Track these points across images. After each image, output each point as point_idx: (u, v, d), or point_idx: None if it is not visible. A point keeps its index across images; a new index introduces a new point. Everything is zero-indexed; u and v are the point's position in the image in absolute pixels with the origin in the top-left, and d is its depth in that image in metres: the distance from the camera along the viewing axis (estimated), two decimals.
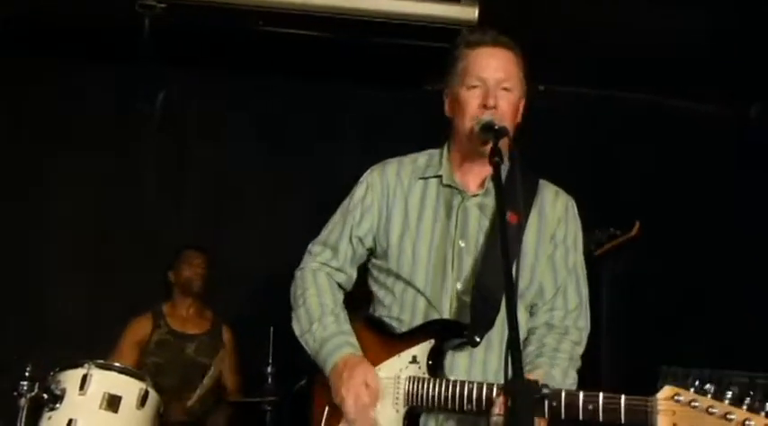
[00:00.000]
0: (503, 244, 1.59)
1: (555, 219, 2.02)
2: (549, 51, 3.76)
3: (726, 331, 4.06)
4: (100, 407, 2.65)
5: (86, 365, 2.70)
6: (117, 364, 2.89)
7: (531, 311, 2.03)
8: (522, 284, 1.95)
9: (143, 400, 2.74)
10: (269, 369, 3.34)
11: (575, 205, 2.08)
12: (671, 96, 4.46)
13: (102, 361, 2.79)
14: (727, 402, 1.51)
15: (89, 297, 4.11)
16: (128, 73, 4.19)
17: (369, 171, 2.14)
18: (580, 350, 1.99)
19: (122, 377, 2.77)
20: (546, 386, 1.45)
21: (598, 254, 3.54)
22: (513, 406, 1.31)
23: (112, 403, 2.66)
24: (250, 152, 4.37)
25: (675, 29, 3.71)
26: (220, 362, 3.62)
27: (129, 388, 2.73)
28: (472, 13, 3.51)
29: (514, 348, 1.39)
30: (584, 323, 2.02)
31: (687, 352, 3.73)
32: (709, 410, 1.50)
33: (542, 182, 2.08)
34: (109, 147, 4.28)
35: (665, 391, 1.56)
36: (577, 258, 2.04)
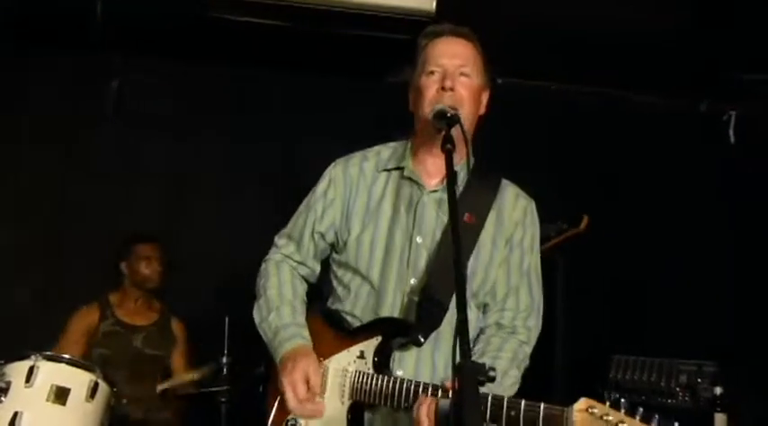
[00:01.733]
0: (454, 235, 1.59)
1: (513, 223, 2.03)
2: (506, 44, 3.79)
3: (676, 321, 4.16)
4: (47, 399, 2.57)
5: (33, 357, 2.63)
6: (66, 356, 2.81)
7: (484, 311, 2.04)
8: (475, 283, 1.97)
9: (93, 392, 2.68)
10: (224, 360, 3.31)
11: (534, 208, 2.09)
12: (626, 90, 4.53)
13: (49, 353, 2.72)
14: (637, 418, 1.53)
15: (37, 287, 4.03)
16: (81, 59, 4.10)
17: (332, 165, 2.14)
18: (528, 349, 2.01)
19: (71, 368, 2.70)
20: (493, 369, 1.46)
21: (546, 248, 3.59)
22: (459, 387, 1.32)
23: (60, 395, 2.59)
24: (207, 140, 4.31)
25: (635, 23, 3.75)
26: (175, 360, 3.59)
27: (77, 380, 2.66)
28: (430, 3, 3.51)
29: (463, 330, 1.40)
30: (535, 322, 2.03)
31: (638, 342, 3.81)
32: (620, 425, 1.53)
33: (504, 183, 2.08)
34: (61, 136, 4.19)
35: (581, 403, 1.58)
36: (532, 261, 2.05)
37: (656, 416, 1.52)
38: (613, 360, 3.50)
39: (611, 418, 1.54)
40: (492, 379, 1.41)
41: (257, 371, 2.20)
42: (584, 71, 4.31)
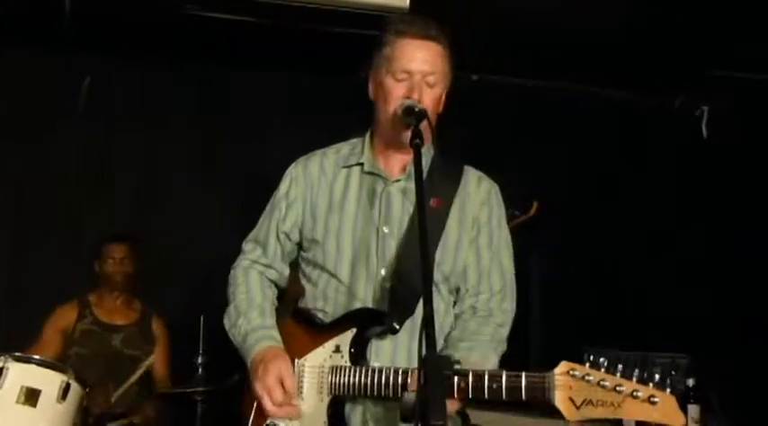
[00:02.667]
0: (420, 225, 1.60)
1: (478, 203, 2.04)
2: (479, 40, 3.80)
3: (650, 314, 4.20)
4: (17, 401, 2.54)
5: (2, 358, 2.60)
6: (36, 357, 2.78)
7: (456, 295, 2.04)
8: (445, 268, 1.97)
9: (64, 393, 2.65)
10: (200, 360, 3.29)
11: (498, 190, 2.10)
12: (601, 86, 4.56)
13: (19, 354, 2.68)
14: (618, 375, 1.56)
15: (12, 287, 4.01)
16: (50, 58, 4.05)
17: (293, 164, 2.13)
18: (504, 331, 2.01)
19: (42, 369, 2.67)
20: (458, 361, 1.46)
21: None
22: (425, 381, 1.32)
23: (31, 396, 2.56)
24: (180, 139, 4.29)
25: (610, 19, 3.77)
26: (155, 360, 3.59)
27: (49, 381, 2.63)
28: (403, 0, 3.51)
29: (428, 324, 1.40)
30: (510, 304, 2.04)
31: (613, 336, 3.84)
32: (601, 383, 1.55)
33: (466, 168, 2.09)
34: (31, 135, 4.14)
35: (561, 366, 1.60)
36: (501, 241, 2.06)
37: (636, 370, 1.54)
38: (587, 353, 3.52)
39: (591, 378, 1.56)
40: (457, 371, 1.41)
41: (232, 379, 2.18)
42: (559, 67, 4.33)
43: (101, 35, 3.83)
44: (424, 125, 1.82)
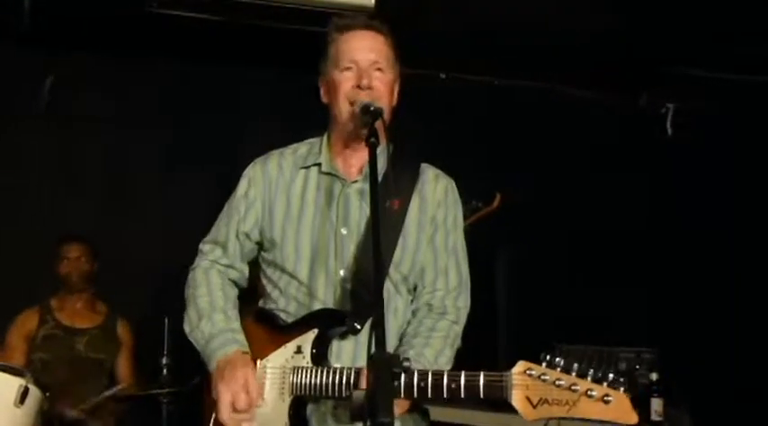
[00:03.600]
0: (374, 226, 1.60)
1: (435, 202, 2.05)
2: (445, 39, 3.82)
3: (616, 310, 4.24)
4: None
5: None
6: None
7: (415, 292, 2.05)
8: (404, 269, 1.98)
9: (22, 397, 2.62)
10: (164, 361, 3.27)
11: (455, 187, 2.10)
12: (566, 84, 4.59)
13: None
14: (573, 374, 1.57)
15: None
16: (10, 56, 3.98)
17: (251, 164, 2.12)
18: (458, 328, 2.02)
19: None
20: (407, 359, 1.47)
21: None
22: (373, 378, 1.33)
23: None
24: (144, 139, 4.24)
25: (576, 18, 3.80)
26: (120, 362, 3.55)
27: (6, 385, 2.60)
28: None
29: (378, 324, 1.40)
30: (464, 302, 2.05)
31: (581, 331, 3.88)
32: (557, 382, 1.56)
33: (424, 166, 2.09)
34: None
35: (519, 366, 1.61)
36: (458, 239, 2.07)
37: (591, 370, 1.56)
38: (555, 349, 3.55)
39: (547, 377, 1.57)
40: (406, 369, 1.42)
41: (193, 382, 2.17)
42: (525, 66, 4.35)
43: (62, 33, 3.78)
44: (378, 124, 1.81)
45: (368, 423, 1.28)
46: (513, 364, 1.65)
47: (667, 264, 4.33)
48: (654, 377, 3.41)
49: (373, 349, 1.36)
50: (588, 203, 4.45)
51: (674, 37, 3.98)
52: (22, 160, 4.14)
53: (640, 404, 3.33)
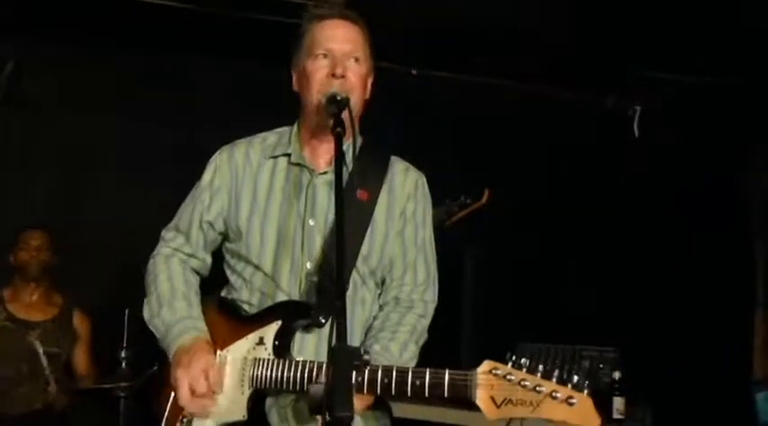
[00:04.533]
0: (337, 215, 1.58)
1: (405, 195, 2.02)
2: (420, 35, 3.80)
3: (579, 309, 4.27)
4: None
5: None
6: None
7: (383, 285, 2.03)
8: (372, 261, 1.95)
9: None
10: (123, 354, 3.21)
11: (425, 181, 2.09)
12: (533, 83, 4.60)
13: None
14: (538, 375, 1.56)
15: None
16: None
17: (218, 152, 2.07)
18: (425, 322, 2.01)
19: None
20: (367, 352, 1.44)
21: (450, 224, 3.63)
22: (332, 371, 1.31)
23: None
24: (107, 126, 4.14)
25: (544, 17, 3.81)
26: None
27: None
28: None
29: (340, 315, 1.39)
30: (432, 296, 2.04)
31: (544, 330, 3.90)
32: (522, 383, 1.56)
33: (394, 159, 2.07)
34: None
35: (484, 365, 1.60)
36: (426, 234, 2.06)
37: (556, 372, 1.55)
38: (518, 347, 3.56)
39: (513, 377, 1.56)
40: (366, 363, 1.39)
41: (150, 371, 2.13)
42: (493, 65, 4.36)
43: (22, 18, 3.68)
44: (345, 114, 1.79)
45: (326, 417, 1.25)
46: (476, 363, 1.64)
47: (630, 263, 4.37)
48: (616, 375, 3.44)
49: (334, 341, 1.33)
50: (554, 202, 4.48)
51: (641, 38, 4.01)
52: None
53: (603, 403, 3.38)
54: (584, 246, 4.41)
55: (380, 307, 2.02)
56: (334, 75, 1.88)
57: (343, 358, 1.32)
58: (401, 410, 2.08)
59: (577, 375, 1.56)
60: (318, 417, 1.71)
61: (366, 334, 1.97)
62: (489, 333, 3.96)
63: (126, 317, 3.23)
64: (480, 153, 4.45)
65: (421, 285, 2.02)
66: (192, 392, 1.82)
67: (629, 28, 3.92)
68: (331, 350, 1.35)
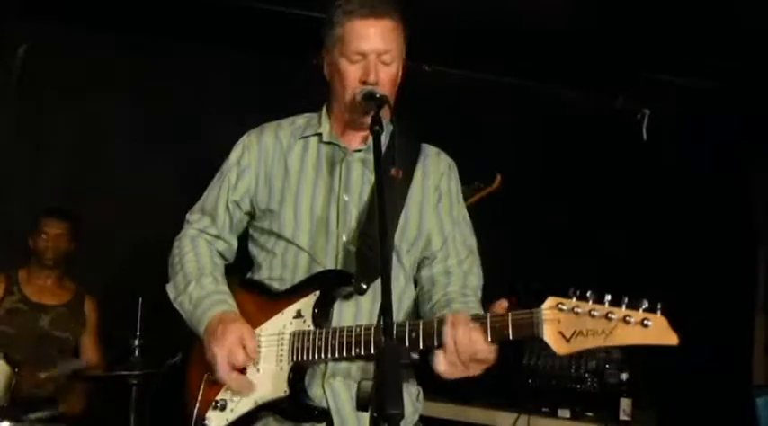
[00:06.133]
0: (380, 204, 1.58)
1: (439, 173, 2.05)
2: (435, 32, 3.80)
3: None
4: None
5: None
6: None
7: (421, 265, 2.02)
8: (410, 236, 1.96)
9: None
10: (136, 342, 3.19)
11: (455, 166, 2.12)
12: (544, 82, 4.61)
13: None
14: (606, 304, 1.55)
15: None
16: None
17: (246, 133, 2.09)
18: (480, 294, 2.00)
19: None
20: (414, 351, 1.45)
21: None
22: (381, 369, 1.31)
23: None
24: (120, 114, 4.15)
25: (557, 17, 3.80)
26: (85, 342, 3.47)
27: None
28: None
29: (387, 313, 1.39)
30: (479, 270, 2.04)
31: None
32: (592, 313, 1.54)
33: (424, 145, 2.10)
34: None
35: (549, 301, 1.58)
36: (461, 209, 2.07)
37: (625, 299, 1.54)
38: (527, 347, 3.58)
39: (580, 309, 1.55)
40: (415, 363, 1.40)
41: (172, 361, 2.11)
42: (504, 63, 4.37)
43: (34, 2, 3.65)
44: (384, 111, 1.81)
45: (374, 414, 1.26)
46: None
47: (630, 265, 4.39)
48: (624, 376, 3.46)
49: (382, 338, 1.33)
50: (560, 204, 4.49)
51: (652, 41, 4.02)
52: None
53: (609, 404, 3.41)
54: (585, 255, 4.43)
55: (427, 281, 2.00)
56: (366, 83, 1.89)
57: (391, 355, 1.33)
58: (426, 408, 2.09)
59: (647, 301, 1.54)
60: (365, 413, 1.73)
61: (431, 306, 1.94)
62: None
63: (140, 306, 3.22)
64: (486, 150, 4.45)
65: (466, 259, 2.01)
66: (231, 366, 1.81)
67: (638, 30, 3.93)
68: (379, 349, 1.36)
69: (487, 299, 1.80)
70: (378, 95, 1.83)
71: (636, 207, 4.52)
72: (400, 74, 2.00)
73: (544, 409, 3.42)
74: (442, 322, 1.68)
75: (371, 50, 1.90)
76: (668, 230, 4.44)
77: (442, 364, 1.67)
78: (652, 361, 3.76)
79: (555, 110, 4.59)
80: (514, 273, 4.30)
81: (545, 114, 4.58)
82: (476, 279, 2.00)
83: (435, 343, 1.66)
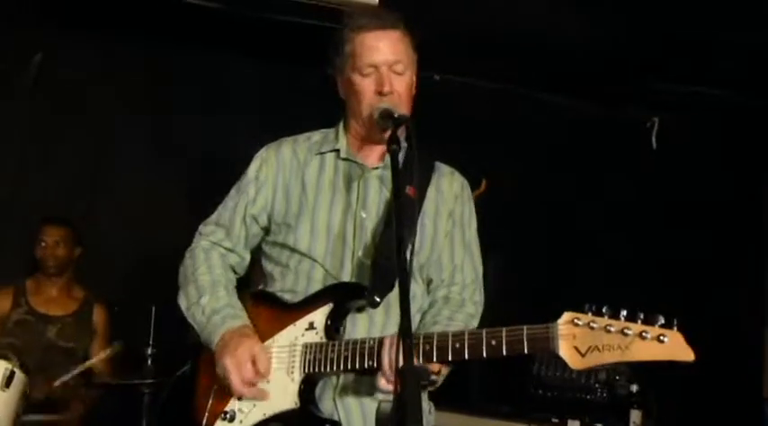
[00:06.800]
0: (397, 220, 1.59)
1: (452, 196, 2.06)
2: (447, 40, 3.82)
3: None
4: None
5: None
6: None
7: (430, 287, 2.04)
8: (422, 256, 1.98)
9: (8, 381, 2.58)
10: (149, 351, 3.21)
11: (468, 186, 2.13)
12: (554, 93, 4.62)
13: None
14: (622, 319, 1.53)
15: None
16: None
17: (264, 148, 2.09)
18: (475, 322, 2.02)
19: None
20: (435, 372, 1.45)
21: None
22: (402, 391, 1.31)
23: None
24: (134, 122, 4.16)
25: (567, 28, 3.83)
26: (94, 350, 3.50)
27: None
28: None
29: (406, 335, 1.39)
30: (480, 297, 2.07)
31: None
32: (608, 328, 1.53)
33: (438, 163, 2.11)
34: None
35: (565, 316, 1.58)
36: (472, 236, 2.09)
37: (641, 314, 1.53)
38: (536, 357, 3.59)
39: (596, 324, 1.54)
40: (434, 383, 1.40)
41: (183, 370, 2.11)
42: (513, 73, 4.37)
43: (53, 10, 3.69)
44: (401, 130, 1.81)
45: None
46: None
47: (651, 274, 4.39)
48: (633, 388, 3.46)
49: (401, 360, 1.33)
50: (570, 211, 4.50)
51: (662, 50, 4.03)
52: (5, 137, 4.02)
53: (619, 415, 3.41)
54: (600, 255, 4.43)
55: (429, 305, 2.03)
56: (381, 93, 1.91)
57: (412, 376, 1.33)
58: (437, 419, 2.10)
59: (662, 316, 1.53)
60: (375, 400, 1.79)
61: (416, 329, 1.96)
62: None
63: (153, 314, 3.24)
64: (496, 159, 4.47)
65: (470, 285, 2.04)
66: (244, 381, 1.83)
67: (647, 39, 3.94)
68: (400, 371, 1.35)
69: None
70: (396, 115, 1.84)
71: (645, 214, 4.52)
72: (414, 84, 2.02)
73: (554, 420, 3.42)
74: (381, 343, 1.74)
75: (383, 62, 1.91)
76: (678, 238, 4.44)
77: (381, 381, 1.74)
78: (662, 373, 3.76)
79: (565, 119, 4.60)
80: (521, 278, 4.34)
81: (555, 123, 4.58)
82: (471, 307, 2.02)
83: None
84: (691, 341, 1.51)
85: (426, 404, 2.00)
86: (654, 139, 4.80)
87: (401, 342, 1.37)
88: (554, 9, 3.68)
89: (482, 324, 4.01)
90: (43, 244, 3.64)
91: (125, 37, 4.03)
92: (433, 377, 1.44)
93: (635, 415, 3.39)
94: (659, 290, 4.26)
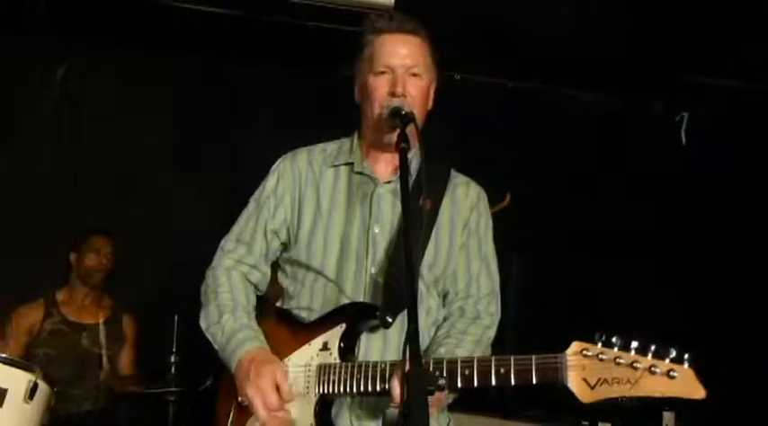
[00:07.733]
0: (406, 232, 1.57)
1: (467, 207, 2.03)
2: (462, 40, 3.78)
3: (628, 322, 4.18)
4: None
5: None
6: (2, 355, 2.70)
7: (445, 299, 2.02)
8: (437, 270, 1.95)
9: (31, 393, 2.57)
10: (173, 359, 3.23)
11: (485, 196, 2.09)
12: (582, 88, 4.56)
13: None
14: (632, 352, 1.51)
15: None
16: (24, 46, 3.94)
17: (280, 160, 2.08)
18: (491, 333, 1.99)
19: (8, 368, 2.57)
20: (443, 377, 1.43)
21: None
22: (408, 396, 1.29)
23: None
24: (157, 132, 4.19)
25: (593, 22, 3.76)
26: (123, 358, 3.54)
27: (15, 380, 2.54)
28: None
29: (413, 338, 1.37)
30: (496, 309, 2.03)
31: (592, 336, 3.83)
32: (617, 360, 1.51)
33: (453, 172, 2.08)
34: (4, 126, 4.01)
35: (574, 346, 1.55)
36: (488, 247, 2.05)
37: (652, 346, 1.50)
38: (599, 333, 3.52)
39: (605, 356, 1.52)
40: (441, 388, 1.38)
41: (205, 385, 2.11)
42: (539, 69, 4.32)
43: (76, 23, 3.73)
44: (410, 129, 1.79)
45: None
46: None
47: (682, 274, 4.30)
48: None
49: (407, 362, 1.31)
50: (599, 208, 4.42)
51: (690, 44, 3.95)
52: (31, 152, 4.08)
53: (652, 417, 3.34)
54: (631, 252, 4.34)
55: (444, 319, 2.01)
56: (394, 94, 1.89)
57: (419, 382, 1.31)
58: (467, 423, 2.07)
59: (675, 349, 1.50)
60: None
61: (431, 340, 1.95)
62: (535, 345, 3.92)
63: (176, 323, 3.25)
64: (522, 157, 4.41)
65: (485, 297, 2.01)
66: (269, 408, 1.80)
67: (677, 34, 3.86)
68: (406, 376, 1.33)
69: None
70: (404, 112, 1.82)
71: (675, 210, 4.42)
72: (432, 91, 1.99)
73: (584, 423, 3.37)
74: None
75: (400, 65, 1.90)
76: (708, 234, 4.34)
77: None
78: (696, 374, 3.66)
79: (594, 114, 4.53)
80: (545, 279, 4.27)
81: (584, 118, 4.52)
82: (487, 319, 1.99)
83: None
84: (726, 338, 1.46)
85: (444, 417, 1.98)
86: (683, 134, 4.70)
87: (407, 346, 1.35)
88: (580, 2, 3.62)
89: (526, 326, 4.01)
90: (95, 254, 3.69)
91: (149, 47, 4.07)
92: (441, 381, 1.40)
93: (667, 418, 3.33)
94: (694, 293, 4.19)
